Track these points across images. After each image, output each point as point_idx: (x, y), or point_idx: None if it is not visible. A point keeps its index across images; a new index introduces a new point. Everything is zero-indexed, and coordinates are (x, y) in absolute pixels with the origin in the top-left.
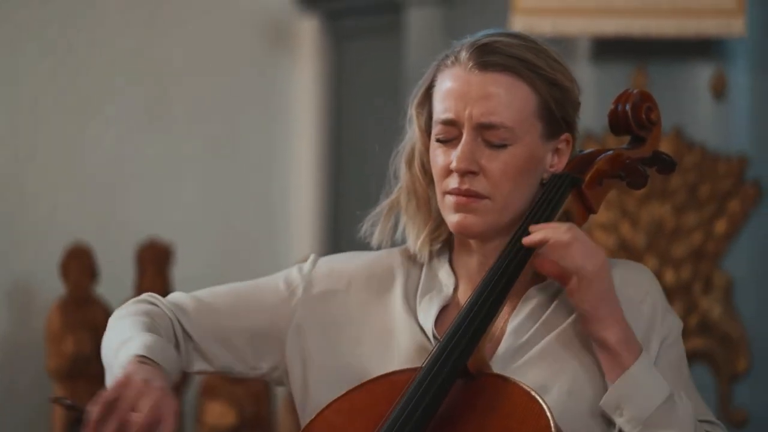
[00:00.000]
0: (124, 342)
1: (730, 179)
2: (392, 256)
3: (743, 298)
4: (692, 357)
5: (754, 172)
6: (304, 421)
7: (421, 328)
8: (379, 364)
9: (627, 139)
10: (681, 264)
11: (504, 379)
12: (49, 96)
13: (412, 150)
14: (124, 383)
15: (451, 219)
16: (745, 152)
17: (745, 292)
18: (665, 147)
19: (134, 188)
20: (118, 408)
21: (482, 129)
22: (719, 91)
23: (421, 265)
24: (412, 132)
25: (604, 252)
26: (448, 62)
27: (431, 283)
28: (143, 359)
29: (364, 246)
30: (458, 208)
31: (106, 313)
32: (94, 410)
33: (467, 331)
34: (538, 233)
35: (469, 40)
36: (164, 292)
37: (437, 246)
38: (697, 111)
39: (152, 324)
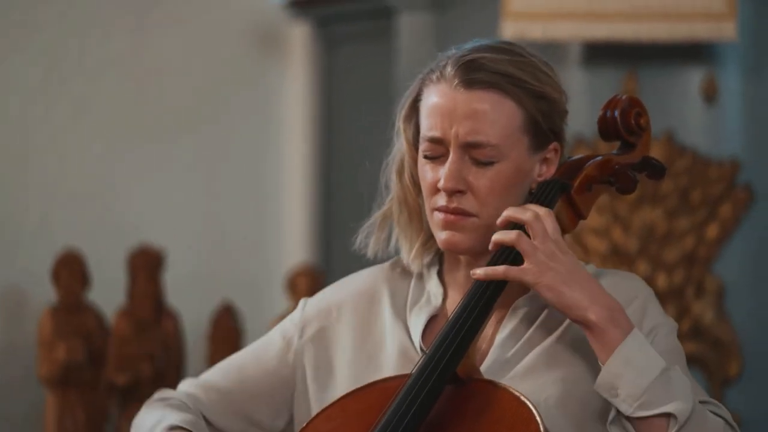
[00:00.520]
0: (158, 421)
1: (722, 183)
2: (375, 274)
3: (735, 302)
4: None
5: (746, 176)
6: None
7: (411, 338)
8: (371, 375)
9: (617, 144)
10: (673, 269)
11: (494, 385)
12: (39, 103)
13: (402, 162)
14: None
15: (440, 236)
16: (736, 156)
17: (737, 297)
18: (656, 151)
19: (125, 195)
20: None
21: (469, 147)
22: (710, 95)
23: (409, 278)
24: (401, 144)
25: (568, 245)
26: (434, 77)
27: (420, 295)
28: (180, 429)
29: (356, 252)
30: (446, 226)
31: (98, 319)
32: None
33: (456, 337)
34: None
35: (455, 53)
36: (156, 298)
37: (428, 257)
38: (689, 115)
39: (178, 407)
